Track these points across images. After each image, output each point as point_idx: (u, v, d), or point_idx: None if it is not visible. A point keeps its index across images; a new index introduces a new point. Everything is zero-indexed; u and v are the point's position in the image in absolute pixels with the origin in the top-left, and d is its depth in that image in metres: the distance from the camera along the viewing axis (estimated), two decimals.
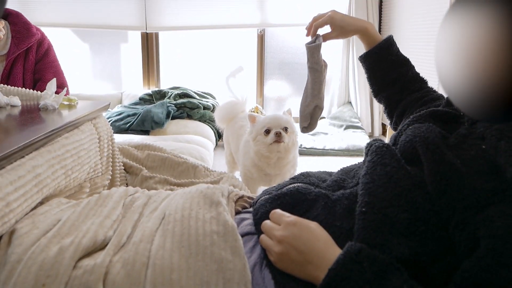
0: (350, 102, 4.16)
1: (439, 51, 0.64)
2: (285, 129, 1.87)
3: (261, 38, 4.15)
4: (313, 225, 0.74)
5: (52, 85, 1.37)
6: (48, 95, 1.36)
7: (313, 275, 0.67)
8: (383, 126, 4.12)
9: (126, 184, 1.61)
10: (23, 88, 1.49)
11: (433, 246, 0.65)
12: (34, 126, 1.11)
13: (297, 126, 1.79)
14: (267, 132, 1.86)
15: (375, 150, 0.78)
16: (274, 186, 0.93)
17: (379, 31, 3.87)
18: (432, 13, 2.98)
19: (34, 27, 2.21)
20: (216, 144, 3.28)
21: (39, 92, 1.48)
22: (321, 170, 1.02)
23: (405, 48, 3.49)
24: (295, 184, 0.84)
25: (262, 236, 0.78)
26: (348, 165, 0.95)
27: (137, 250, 0.69)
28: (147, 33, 4.06)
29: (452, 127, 0.78)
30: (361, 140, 3.57)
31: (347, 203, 0.76)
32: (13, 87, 1.48)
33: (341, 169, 0.94)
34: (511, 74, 0.50)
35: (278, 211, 0.79)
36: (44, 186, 0.88)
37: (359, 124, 3.91)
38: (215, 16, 3.97)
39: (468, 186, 0.63)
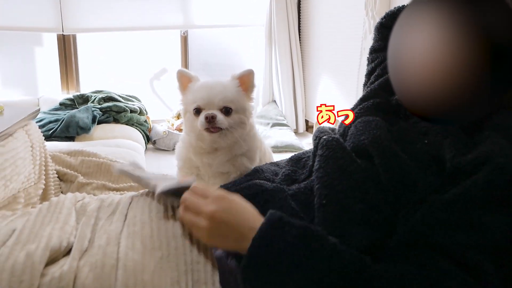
0: (275, 101, 4.30)
1: (393, 50, 0.70)
2: (225, 109, 1.16)
3: (185, 40, 4.13)
4: (238, 198, 0.73)
5: None
6: None
7: (245, 247, 0.65)
8: (307, 122, 4.31)
9: (61, 192, 1.55)
10: None
11: (388, 234, 0.70)
12: None
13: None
14: (198, 112, 1.18)
15: (325, 144, 0.81)
16: (229, 183, 0.96)
17: (299, 31, 4.03)
18: (348, 13, 3.18)
19: None
20: (146, 148, 3.22)
21: None
22: (267, 163, 1.07)
23: (324, 47, 3.69)
24: (252, 181, 0.88)
25: (184, 213, 0.74)
26: (296, 154, 1.00)
27: (104, 253, 0.70)
28: (63, 35, 3.85)
29: (391, 118, 0.84)
30: (288, 136, 3.70)
31: (304, 198, 0.80)
32: None
33: (289, 158, 0.99)
34: (463, 77, 0.57)
35: (201, 185, 0.77)
36: None
37: (284, 122, 4.05)
38: (137, 17, 3.86)
39: (417, 179, 0.69)
